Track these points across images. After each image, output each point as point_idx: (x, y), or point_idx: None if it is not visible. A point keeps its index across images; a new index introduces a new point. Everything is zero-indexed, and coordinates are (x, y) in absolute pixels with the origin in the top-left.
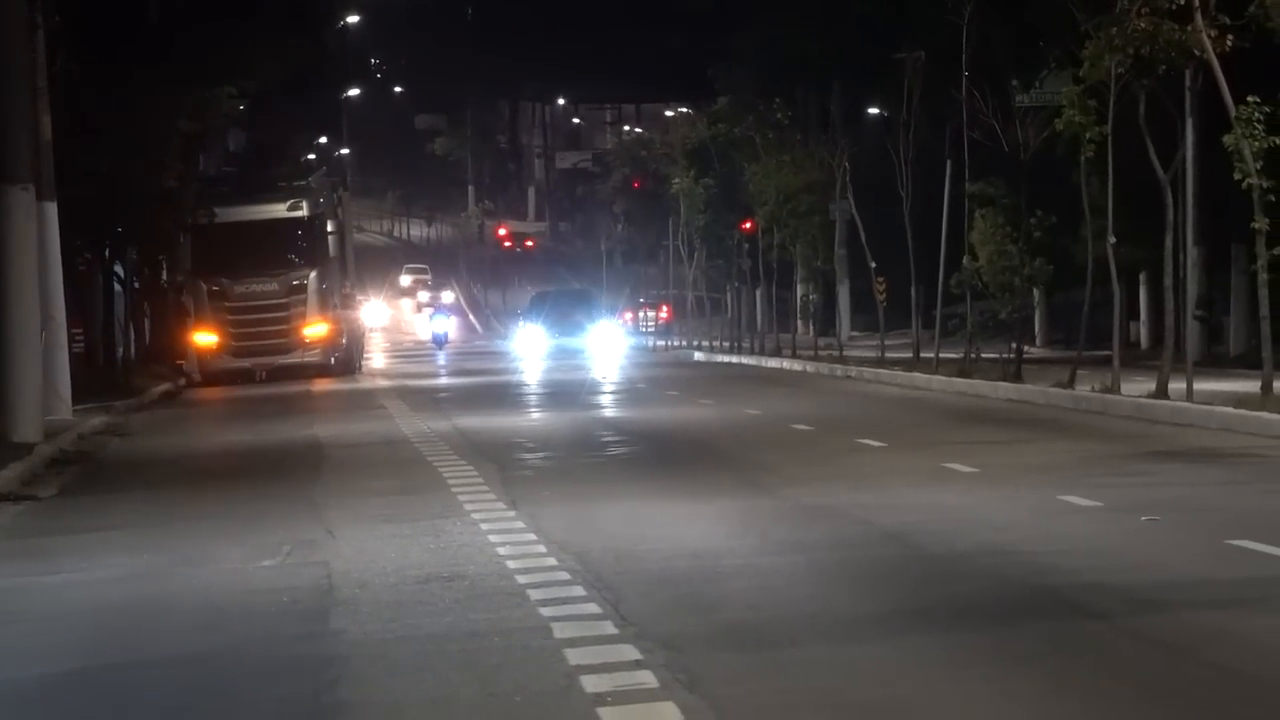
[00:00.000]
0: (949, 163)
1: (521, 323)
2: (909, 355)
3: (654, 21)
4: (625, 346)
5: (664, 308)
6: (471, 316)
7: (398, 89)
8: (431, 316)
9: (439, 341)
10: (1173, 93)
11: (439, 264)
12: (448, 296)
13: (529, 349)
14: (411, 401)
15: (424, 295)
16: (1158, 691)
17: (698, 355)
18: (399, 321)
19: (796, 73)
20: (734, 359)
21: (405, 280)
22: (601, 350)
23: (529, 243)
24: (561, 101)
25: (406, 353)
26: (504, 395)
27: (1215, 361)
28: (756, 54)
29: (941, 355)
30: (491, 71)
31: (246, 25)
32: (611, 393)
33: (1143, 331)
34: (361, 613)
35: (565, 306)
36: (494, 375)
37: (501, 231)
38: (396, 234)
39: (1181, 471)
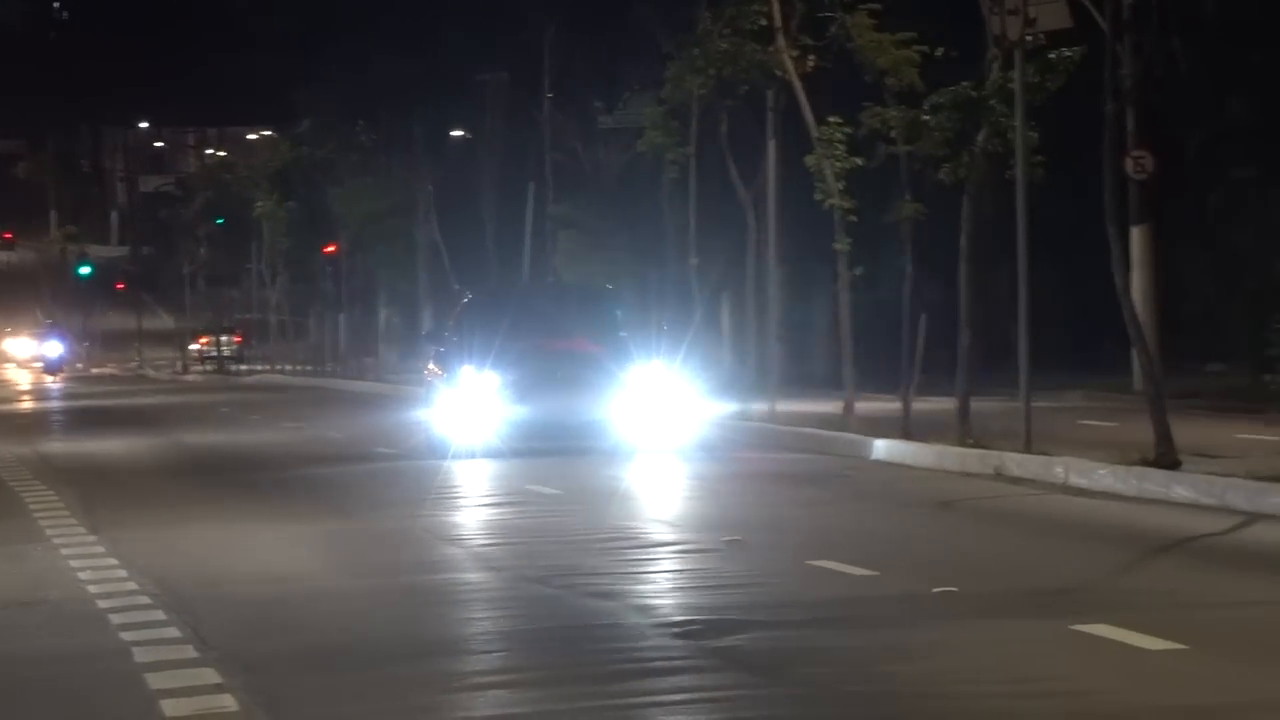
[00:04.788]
0: (532, 184)
1: (431, 365)
2: None
3: (237, 42)
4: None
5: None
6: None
7: None
8: (43, 341)
9: (52, 367)
10: (758, 113)
11: (21, 290)
12: (54, 348)
13: (464, 433)
14: None
15: (21, 350)
16: (744, 710)
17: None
18: None
19: (381, 95)
20: (316, 382)
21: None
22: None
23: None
24: (144, 125)
25: None
26: (93, 419)
27: (800, 381)
28: (341, 76)
29: None
30: (73, 94)
31: None
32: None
33: (727, 352)
34: None
35: (553, 325)
36: (81, 400)
37: (84, 270)
38: None
39: (765, 492)
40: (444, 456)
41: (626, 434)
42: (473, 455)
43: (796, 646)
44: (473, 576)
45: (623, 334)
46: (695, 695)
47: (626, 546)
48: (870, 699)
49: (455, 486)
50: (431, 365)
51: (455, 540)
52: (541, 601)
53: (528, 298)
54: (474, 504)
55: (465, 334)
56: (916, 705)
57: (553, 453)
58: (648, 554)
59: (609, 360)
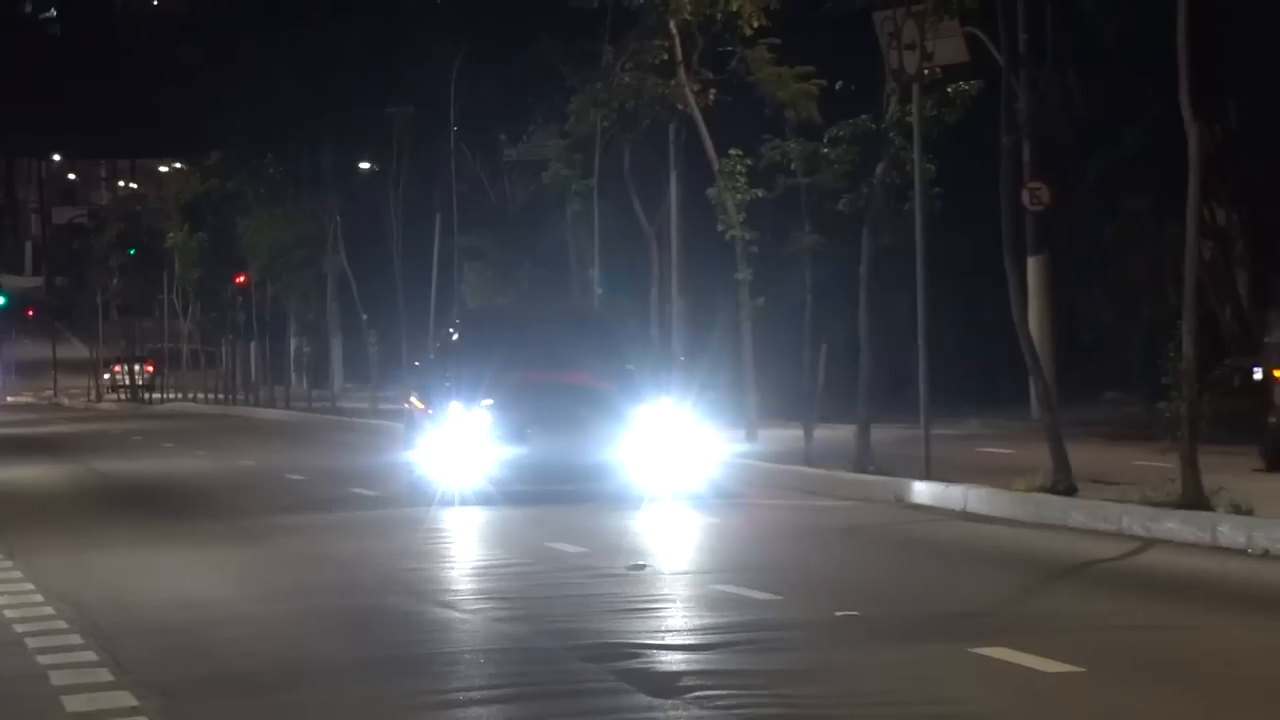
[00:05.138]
0: (438, 216)
1: (413, 398)
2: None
3: (148, 75)
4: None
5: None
6: None
7: None
8: None
9: None
10: (661, 146)
11: None
12: None
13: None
14: None
15: None
16: None
17: None
18: None
19: (289, 127)
20: (227, 410)
21: None
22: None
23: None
24: (58, 157)
25: None
26: (9, 447)
27: (702, 410)
28: (250, 108)
29: None
30: None
31: None
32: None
33: None
34: None
35: (553, 356)
36: None
37: None
38: None
39: (670, 519)
40: (430, 502)
41: (634, 477)
42: (465, 501)
43: (699, 669)
44: (388, 601)
45: (630, 367)
46: (599, 718)
47: (541, 571)
48: None
49: (384, 519)
50: (413, 399)
51: (371, 565)
52: (454, 625)
53: (523, 324)
54: (393, 530)
55: (453, 364)
56: None
57: (548, 499)
58: (560, 579)
59: (615, 396)
